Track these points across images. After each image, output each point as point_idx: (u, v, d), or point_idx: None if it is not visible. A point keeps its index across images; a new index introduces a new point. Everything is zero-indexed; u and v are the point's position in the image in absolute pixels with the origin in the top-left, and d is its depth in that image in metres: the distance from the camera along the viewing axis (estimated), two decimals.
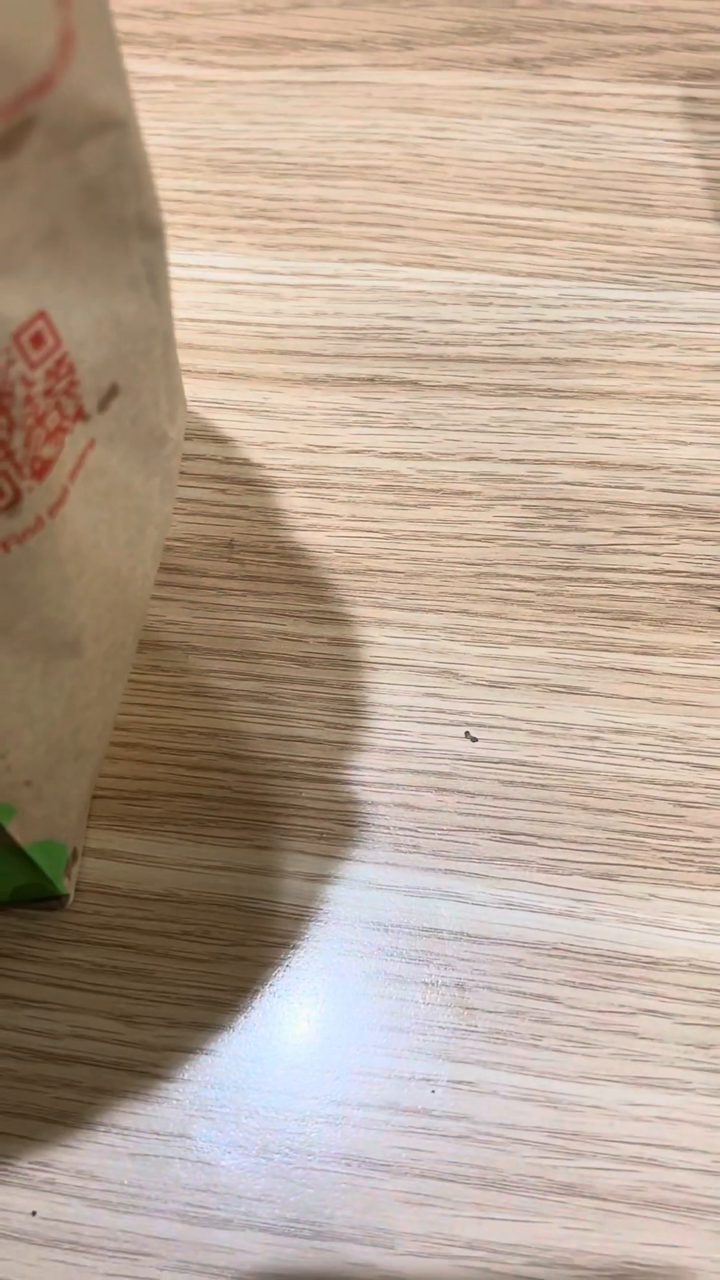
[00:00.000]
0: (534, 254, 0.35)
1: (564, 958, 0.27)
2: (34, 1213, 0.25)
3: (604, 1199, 0.25)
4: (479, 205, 0.36)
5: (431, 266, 0.35)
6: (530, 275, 0.35)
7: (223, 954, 0.27)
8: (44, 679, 0.23)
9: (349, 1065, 0.26)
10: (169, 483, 0.25)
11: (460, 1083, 0.26)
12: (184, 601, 0.31)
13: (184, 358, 0.34)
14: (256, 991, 0.27)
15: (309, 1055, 0.26)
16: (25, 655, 0.22)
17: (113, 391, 0.21)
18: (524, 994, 0.27)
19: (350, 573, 0.31)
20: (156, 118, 0.38)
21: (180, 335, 0.34)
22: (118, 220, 0.19)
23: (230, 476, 0.32)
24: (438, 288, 0.35)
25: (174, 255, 0.35)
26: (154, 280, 0.20)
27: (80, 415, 0.21)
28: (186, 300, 0.35)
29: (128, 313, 0.20)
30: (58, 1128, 0.26)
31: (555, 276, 0.35)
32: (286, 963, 0.27)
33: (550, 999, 0.27)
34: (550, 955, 0.27)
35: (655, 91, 0.38)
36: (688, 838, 0.28)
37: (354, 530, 0.32)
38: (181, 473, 0.32)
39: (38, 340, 0.19)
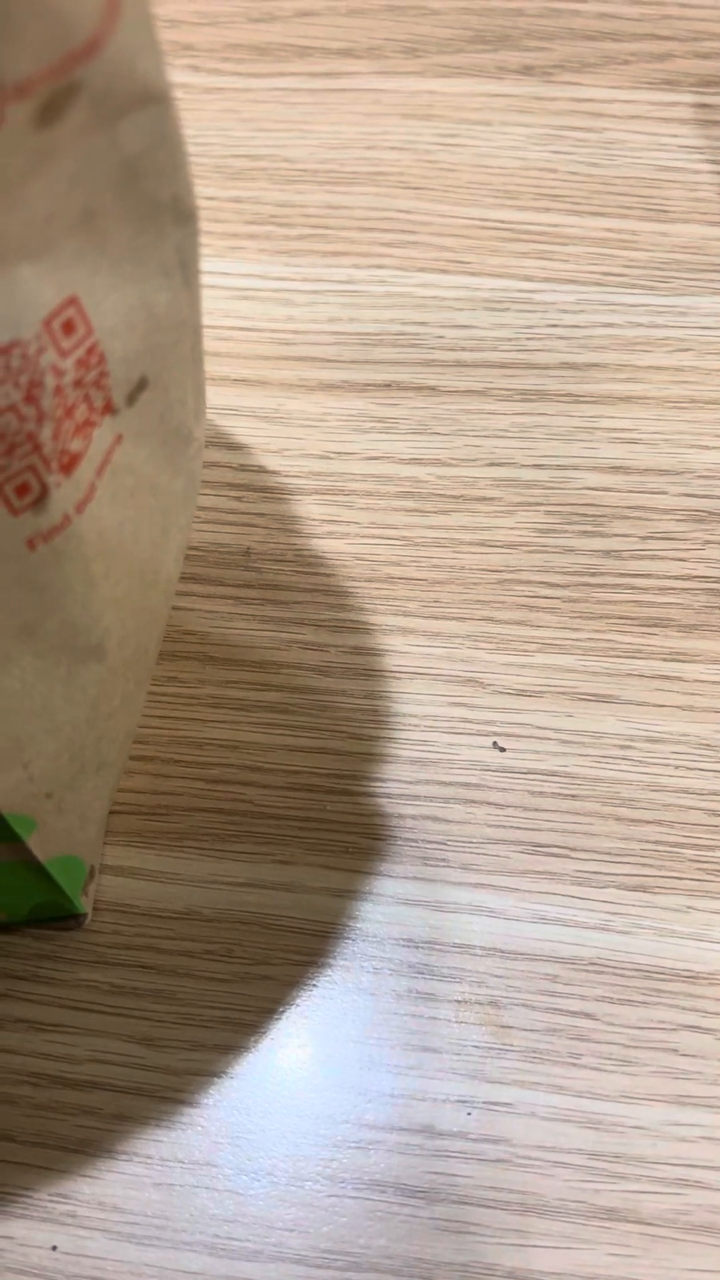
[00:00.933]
0: (549, 259, 0.35)
1: (600, 973, 0.26)
2: (55, 1247, 0.24)
3: (649, 1223, 0.24)
4: (492, 211, 0.35)
5: (446, 272, 0.34)
6: (546, 280, 0.34)
7: (247, 974, 0.26)
8: (67, 683, 0.22)
9: (381, 1088, 0.25)
10: (192, 484, 0.25)
11: (497, 1104, 0.25)
12: (201, 611, 0.30)
13: None
14: (282, 1012, 0.26)
15: (339, 1078, 0.25)
16: (49, 658, 0.21)
17: (142, 384, 0.21)
18: (560, 1011, 0.26)
19: (370, 580, 0.30)
20: None
21: None
22: (153, 203, 0.18)
23: (246, 484, 0.32)
24: (453, 293, 0.34)
25: None
26: (186, 268, 0.20)
27: (109, 409, 0.20)
28: None
29: (159, 302, 0.20)
30: (78, 1157, 0.25)
31: (572, 282, 0.34)
32: (313, 982, 0.26)
33: (588, 1016, 0.26)
34: (586, 970, 0.26)
35: (667, 98, 0.37)
36: None
37: (373, 537, 0.31)
38: None
39: (69, 327, 0.18)
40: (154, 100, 0.16)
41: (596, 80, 0.38)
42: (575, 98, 0.37)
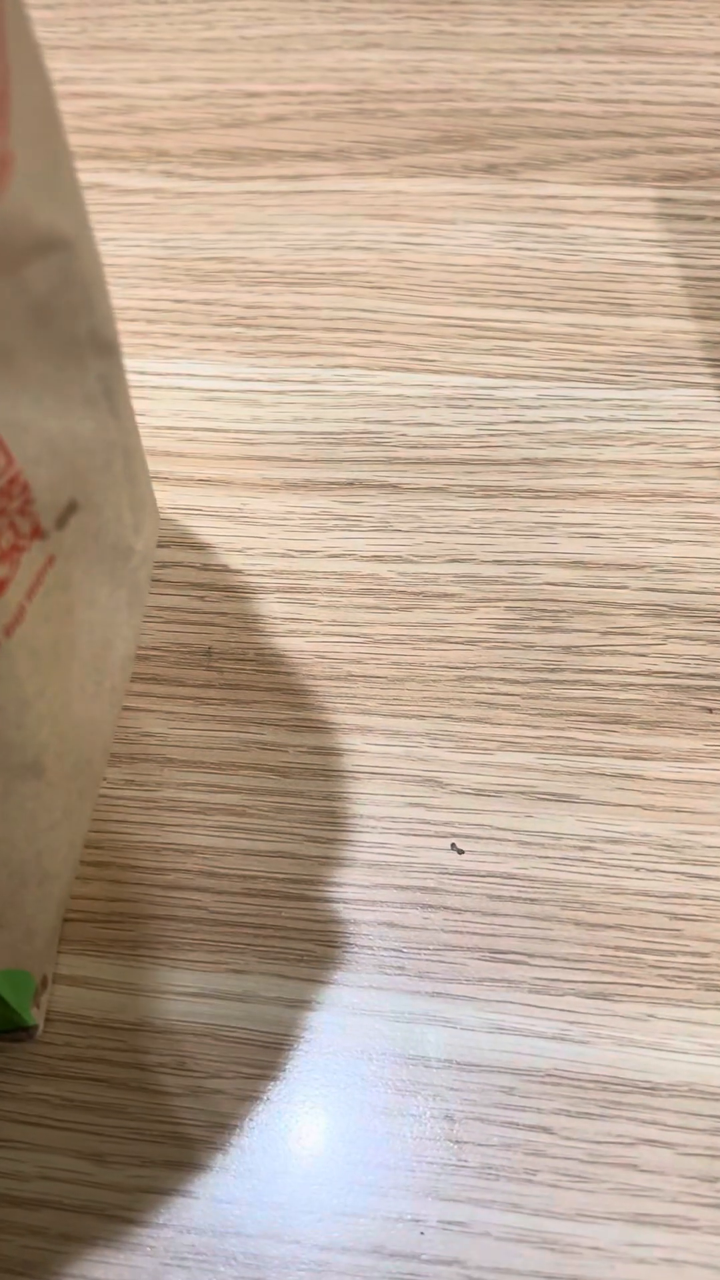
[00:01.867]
0: (512, 355, 0.35)
1: (558, 1085, 0.26)
2: None
3: None
4: (456, 309, 0.36)
5: (409, 370, 0.35)
6: (509, 376, 0.35)
7: (199, 1087, 0.26)
8: (4, 801, 0.22)
9: (333, 1205, 0.25)
10: (137, 594, 0.25)
11: (451, 1223, 0.24)
12: (160, 712, 0.30)
13: (162, 465, 0.33)
14: (234, 1127, 0.25)
15: (290, 1195, 0.25)
16: None
17: (71, 508, 0.21)
18: (516, 1125, 0.25)
19: (331, 679, 0.30)
20: (136, 229, 0.38)
21: (158, 443, 0.34)
22: (69, 339, 0.18)
23: (208, 583, 0.32)
24: (416, 391, 0.34)
25: (153, 364, 0.35)
26: (111, 396, 0.20)
27: (37, 533, 0.20)
28: (165, 408, 0.35)
29: (85, 429, 0.20)
30: None
31: (534, 377, 0.35)
32: (266, 1096, 0.26)
33: (544, 1129, 0.25)
34: (543, 1082, 0.26)
35: (630, 193, 0.38)
36: (685, 953, 0.27)
37: (335, 635, 0.31)
38: (158, 580, 0.32)
39: None
40: (60, 246, 0.17)
41: (560, 177, 0.38)
42: (539, 194, 0.38)
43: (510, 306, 0.36)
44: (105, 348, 0.19)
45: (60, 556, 0.21)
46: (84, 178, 0.39)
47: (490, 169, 0.38)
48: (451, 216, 0.38)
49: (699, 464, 0.33)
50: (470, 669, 0.30)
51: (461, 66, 0.41)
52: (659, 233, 0.37)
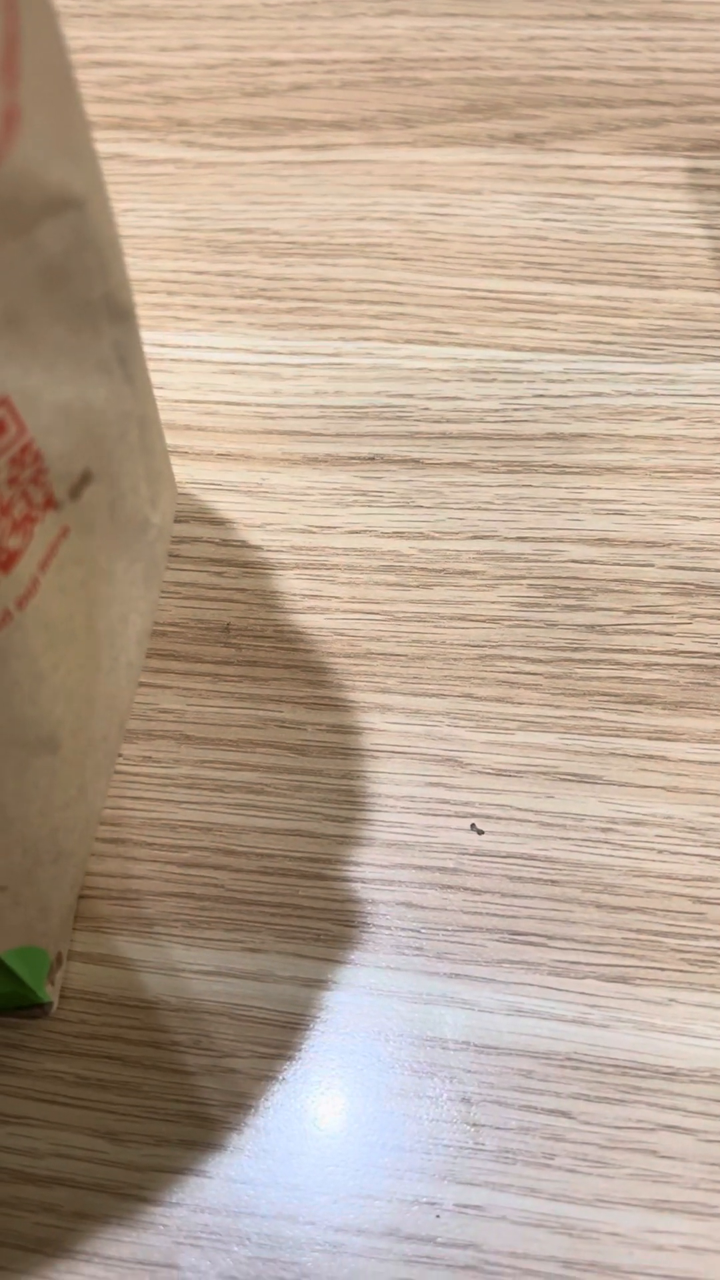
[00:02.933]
0: (538, 328, 0.34)
1: (577, 1069, 0.25)
2: None
3: None
4: (482, 281, 0.35)
5: (434, 343, 0.34)
6: (534, 350, 0.34)
7: (214, 1066, 0.26)
8: (18, 778, 0.22)
9: (348, 1187, 0.24)
10: (154, 569, 0.25)
11: (467, 1206, 0.24)
12: (178, 689, 0.30)
13: (181, 439, 0.33)
14: (250, 1107, 0.25)
15: (305, 1176, 0.25)
16: None
17: (85, 478, 0.20)
18: (534, 1109, 0.25)
19: (350, 656, 0.30)
20: (157, 200, 0.37)
21: (178, 417, 0.33)
22: (83, 303, 0.18)
23: (227, 559, 0.31)
24: (440, 364, 0.34)
25: (173, 336, 0.35)
26: (126, 363, 0.20)
27: (51, 503, 0.20)
28: (184, 381, 0.34)
29: (99, 397, 0.20)
30: (36, 1257, 0.24)
31: (560, 351, 0.34)
32: (282, 1076, 0.26)
33: (563, 1114, 0.25)
34: (562, 1066, 0.25)
35: (660, 163, 0.37)
36: (709, 937, 0.26)
37: (354, 612, 0.30)
38: (177, 555, 0.31)
39: None
40: (72, 205, 0.16)
41: (589, 146, 0.37)
42: (567, 164, 0.37)
43: (537, 278, 0.35)
44: (120, 313, 0.19)
45: (75, 528, 0.21)
46: (105, 148, 0.39)
47: (517, 138, 0.38)
48: (478, 187, 0.37)
49: None
50: (492, 647, 0.30)
51: (488, 33, 0.40)
52: (689, 204, 0.36)
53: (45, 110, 0.16)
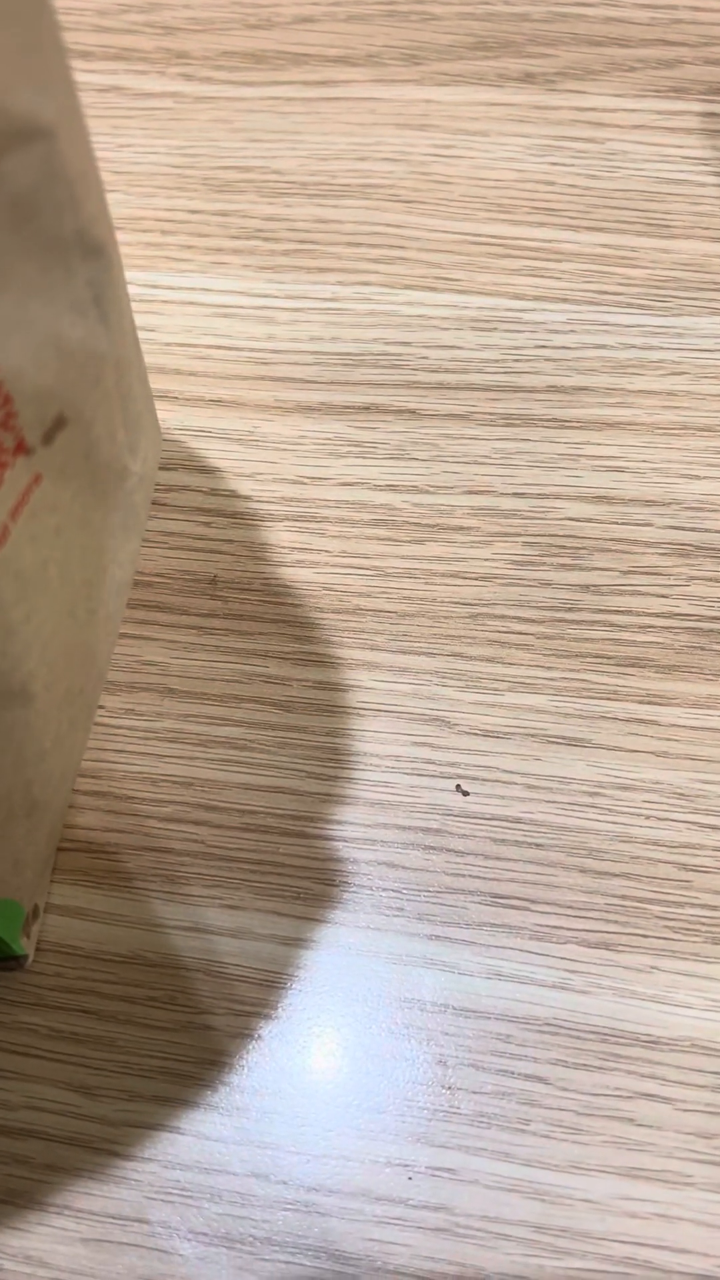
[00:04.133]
0: (542, 277, 0.33)
1: (556, 1034, 0.25)
2: None
3: None
4: (485, 226, 0.34)
5: (434, 290, 0.33)
6: (538, 299, 0.33)
7: (189, 1022, 0.25)
8: None
9: (321, 1147, 0.24)
10: (133, 518, 0.24)
11: (440, 1169, 0.24)
12: (163, 641, 0.29)
13: (172, 384, 0.32)
14: (224, 1065, 0.25)
15: (278, 1135, 0.24)
16: None
17: (59, 423, 0.20)
18: (511, 1074, 0.25)
19: (339, 612, 0.29)
20: (153, 135, 0.36)
21: (168, 360, 0.33)
22: (54, 239, 0.17)
23: (215, 509, 0.31)
24: (439, 312, 0.33)
25: (165, 277, 0.34)
26: (101, 303, 0.19)
27: (22, 449, 0.19)
28: (177, 324, 0.33)
29: (73, 338, 0.19)
30: (6, 1208, 0.24)
31: (564, 300, 0.33)
32: (257, 1034, 0.25)
33: (540, 1079, 0.25)
34: (541, 1031, 0.25)
35: (673, 107, 0.36)
36: (693, 905, 0.26)
37: (344, 567, 0.30)
38: (164, 504, 0.31)
39: None
40: (40, 135, 0.16)
41: (601, 88, 0.36)
42: (578, 106, 0.36)
43: (542, 225, 0.34)
44: (94, 250, 0.18)
45: (48, 475, 0.20)
46: (101, 79, 0.37)
47: (527, 78, 0.36)
48: (484, 128, 0.36)
49: None
50: (484, 606, 0.29)
51: None
52: (703, 150, 0.35)
53: (11, 33, 0.15)
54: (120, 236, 0.35)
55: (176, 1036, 0.25)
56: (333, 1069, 0.25)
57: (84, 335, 0.19)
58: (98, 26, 0.38)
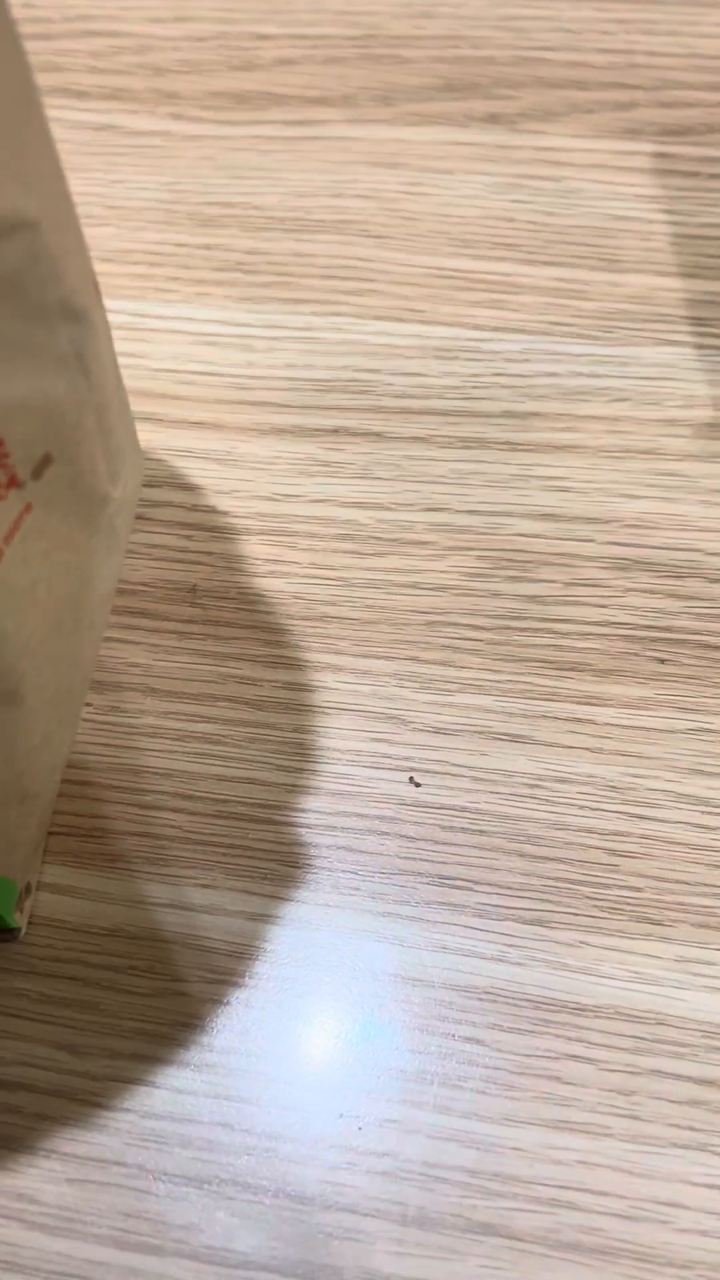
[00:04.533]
0: (501, 308, 0.36)
1: (494, 1002, 0.28)
2: None
3: (520, 1239, 0.26)
4: (449, 260, 0.37)
5: (401, 320, 0.36)
6: (496, 329, 0.36)
7: (166, 989, 0.28)
8: None
9: (281, 1101, 0.27)
10: (114, 539, 0.27)
11: (387, 1121, 0.27)
12: (145, 645, 0.32)
13: (158, 407, 0.35)
14: (196, 1026, 0.28)
15: (243, 1089, 0.27)
16: None
17: (46, 460, 0.23)
18: (453, 1036, 0.28)
19: (307, 619, 0.32)
20: (144, 172, 0.39)
21: (155, 385, 0.35)
22: (39, 307, 0.20)
23: (196, 523, 0.34)
24: (405, 341, 0.36)
25: (153, 306, 0.37)
26: (83, 358, 0.22)
27: (14, 483, 0.22)
28: (163, 351, 0.36)
29: (57, 389, 0.22)
30: (1, 1152, 0.27)
31: (520, 331, 0.36)
32: (226, 999, 0.28)
33: (478, 1041, 0.27)
34: (480, 999, 0.28)
35: (628, 147, 0.38)
36: (620, 886, 0.29)
37: (312, 577, 0.33)
38: (147, 519, 0.34)
39: None
40: (24, 227, 0.18)
41: (560, 128, 0.39)
42: (538, 146, 0.39)
43: (502, 259, 0.37)
44: (75, 315, 0.21)
45: (37, 504, 0.23)
46: (96, 118, 0.40)
47: (492, 119, 0.39)
48: (451, 166, 0.38)
49: (672, 422, 0.34)
50: (439, 614, 0.32)
51: (470, 11, 0.41)
52: (653, 188, 0.38)
53: None
54: (111, 268, 0.38)
55: (154, 1001, 0.28)
56: (293, 1031, 0.28)
57: (67, 386, 0.22)
58: (92, 68, 0.41)
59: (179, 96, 0.40)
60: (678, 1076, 0.27)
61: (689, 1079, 0.27)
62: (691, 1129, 0.26)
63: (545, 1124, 0.27)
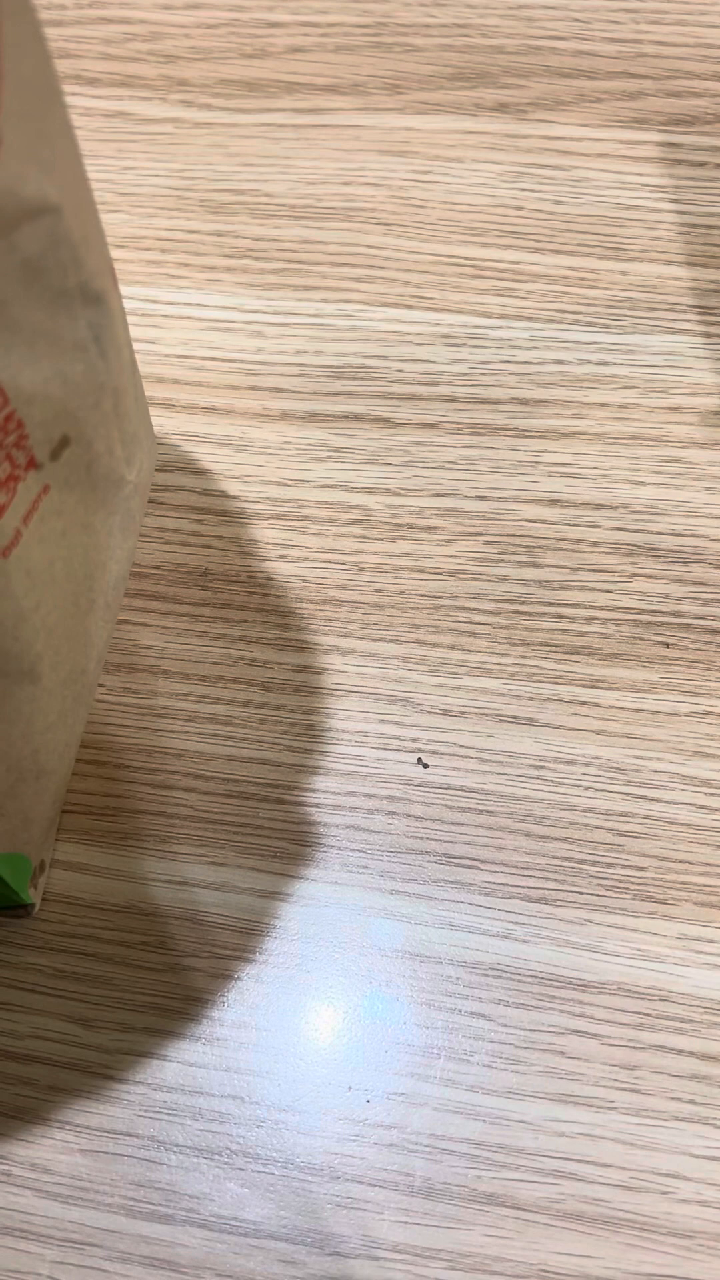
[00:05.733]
0: (509, 296, 0.36)
1: (499, 978, 0.28)
2: None
3: (524, 1209, 0.26)
4: (458, 248, 0.37)
5: (409, 307, 0.36)
6: (504, 317, 0.36)
7: (177, 964, 0.29)
8: (1, 704, 0.24)
9: (290, 1074, 0.28)
10: (129, 521, 0.27)
11: (394, 1094, 0.27)
12: (158, 627, 0.32)
13: (169, 393, 0.35)
14: (206, 1001, 0.28)
15: (253, 1063, 0.28)
16: None
17: (64, 442, 0.23)
18: (459, 1011, 0.28)
19: (316, 602, 0.33)
20: (155, 159, 0.39)
21: (167, 371, 0.36)
22: (59, 291, 0.20)
23: (207, 508, 0.34)
24: (414, 328, 0.36)
25: (165, 293, 0.37)
26: (100, 341, 0.22)
27: (33, 464, 0.22)
28: (174, 337, 0.36)
29: (75, 372, 0.22)
30: (14, 1123, 0.28)
31: (528, 319, 0.36)
32: (236, 974, 0.29)
33: (483, 1017, 0.28)
34: (486, 975, 0.28)
35: (635, 137, 0.39)
36: (624, 866, 0.29)
37: (322, 562, 0.33)
38: (160, 503, 0.34)
39: None
40: (47, 212, 0.19)
41: (569, 118, 0.39)
42: (547, 135, 0.39)
43: (510, 247, 0.37)
44: (94, 299, 0.21)
45: (55, 486, 0.23)
46: (108, 105, 0.40)
47: (501, 108, 0.39)
48: (460, 155, 0.39)
49: (679, 409, 0.34)
50: (447, 598, 0.32)
51: (479, 0, 0.41)
52: (660, 178, 0.38)
53: (25, 129, 0.18)
54: (122, 254, 0.38)
55: (165, 976, 0.29)
56: (302, 1006, 0.28)
57: (85, 369, 0.22)
58: (104, 54, 0.41)
59: (190, 84, 0.41)
60: (679, 1051, 0.27)
61: (691, 1054, 0.27)
62: (693, 1103, 0.27)
63: (550, 1097, 0.27)
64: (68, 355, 0.22)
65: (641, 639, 0.31)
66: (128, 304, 0.37)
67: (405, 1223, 0.26)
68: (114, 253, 0.38)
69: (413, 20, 0.41)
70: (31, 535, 0.23)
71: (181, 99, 0.40)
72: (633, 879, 0.29)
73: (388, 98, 0.40)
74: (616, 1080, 0.27)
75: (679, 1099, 0.27)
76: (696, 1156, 0.27)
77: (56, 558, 0.24)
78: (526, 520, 0.33)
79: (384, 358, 0.36)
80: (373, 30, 0.41)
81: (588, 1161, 0.27)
